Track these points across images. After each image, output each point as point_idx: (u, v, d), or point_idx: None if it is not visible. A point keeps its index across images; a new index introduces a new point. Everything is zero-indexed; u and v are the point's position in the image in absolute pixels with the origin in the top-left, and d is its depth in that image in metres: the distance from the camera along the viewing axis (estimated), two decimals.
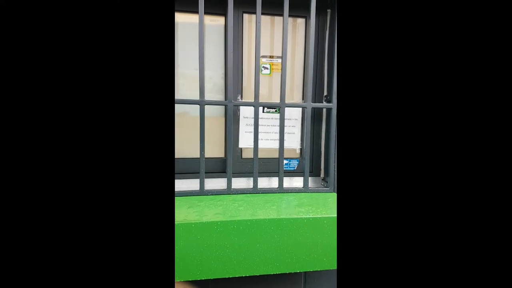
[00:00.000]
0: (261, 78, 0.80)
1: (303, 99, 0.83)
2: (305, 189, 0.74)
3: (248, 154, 0.82)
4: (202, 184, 0.69)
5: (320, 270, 0.67)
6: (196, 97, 0.70)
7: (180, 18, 0.76)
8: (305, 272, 0.79)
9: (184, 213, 0.59)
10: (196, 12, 0.66)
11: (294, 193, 0.74)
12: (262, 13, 0.69)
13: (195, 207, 0.62)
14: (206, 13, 0.67)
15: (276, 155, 0.81)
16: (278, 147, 0.75)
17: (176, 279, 0.54)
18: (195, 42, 0.75)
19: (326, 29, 0.80)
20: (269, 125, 0.81)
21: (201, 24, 0.65)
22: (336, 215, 0.60)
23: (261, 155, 0.80)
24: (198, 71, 0.67)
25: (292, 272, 0.60)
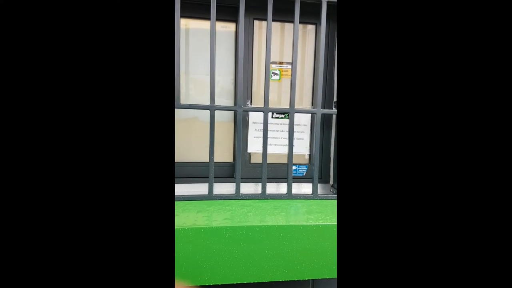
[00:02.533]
0: (271, 83, 0.80)
1: (312, 105, 0.83)
2: (314, 195, 0.74)
3: (256, 159, 0.82)
4: (211, 188, 0.70)
5: (329, 278, 0.66)
6: (205, 102, 0.70)
7: (192, 24, 0.77)
8: (312, 280, 0.78)
9: (193, 217, 0.59)
10: (208, 18, 0.67)
11: (303, 200, 0.73)
12: (273, 20, 0.70)
13: (204, 211, 0.62)
14: (217, 19, 0.68)
15: (285, 161, 0.80)
16: (286, 152, 0.75)
17: (188, 283, 0.54)
18: (206, 48, 0.76)
19: (336, 35, 0.80)
20: (278, 131, 0.81)
21: (213, 30, 0.66)
22: None
23: (269, 160, 0.80)
24: (207, 76, 0.68)
25: (301, 279, 0.59)
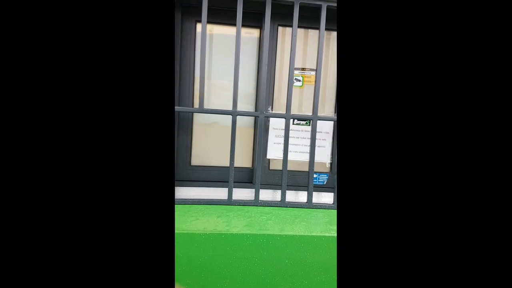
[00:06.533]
0: (293, 90, 0.80)
1: (335, 112, 0.81)
2: (335, 205, 0.72)
3: (275, 166, 0.81)
4: (230, 193, 0.69)
5: None
6: (224, 106, 0.70)
7: (214, 30, 0.78)
8: None
9: (214, 222, 0.58)
10: (232, 24, 0.68)
11: (324, 210, 0.72)
12: (298, 27, 0.70)
13: (223, 217, 0.62)
14: (242, 25, 0.69)
15: (304, 168, 0.79)
16: (306, 159, 0.73)
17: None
18: (227, 53, 0.76)
19: None
20: (298, 137, 0.80)
21: (238, 37, 0.66)
22: None
23: (289, 167, 0.78)
24: (228, 82, 0.68)
25: None
